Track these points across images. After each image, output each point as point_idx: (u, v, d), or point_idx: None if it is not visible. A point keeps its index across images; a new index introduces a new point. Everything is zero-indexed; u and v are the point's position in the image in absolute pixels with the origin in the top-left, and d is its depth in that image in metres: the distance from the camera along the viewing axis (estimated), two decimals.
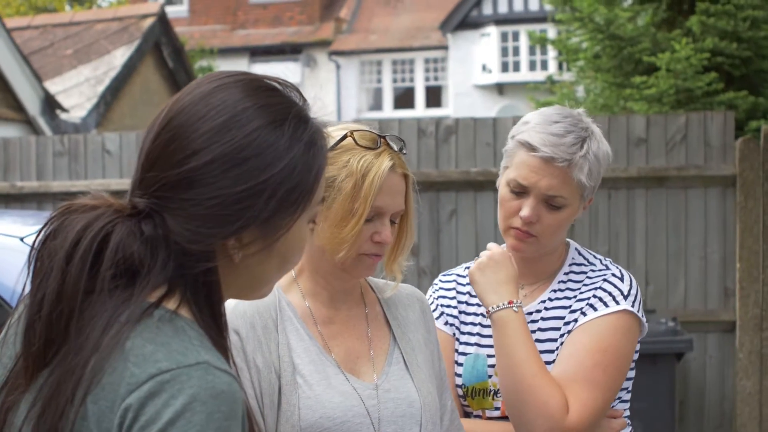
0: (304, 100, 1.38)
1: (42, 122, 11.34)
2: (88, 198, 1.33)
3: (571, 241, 2.41)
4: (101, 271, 1.25)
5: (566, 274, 2.35)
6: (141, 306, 1.25)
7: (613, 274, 2.29)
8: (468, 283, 2.43)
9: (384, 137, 2.03)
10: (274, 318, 2.01)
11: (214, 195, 1.27)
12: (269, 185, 1.29)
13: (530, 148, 2.24)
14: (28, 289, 1.32)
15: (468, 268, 2.47)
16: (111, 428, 1.21)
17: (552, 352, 2.27)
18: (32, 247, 1.31)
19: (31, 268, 1.30)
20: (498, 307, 2.20)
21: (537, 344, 2.26)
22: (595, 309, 2.23)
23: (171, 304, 1.29)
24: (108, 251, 1.26)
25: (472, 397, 2.33)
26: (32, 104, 11.26)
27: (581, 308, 2.25)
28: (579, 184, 2.24)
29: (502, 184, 2.32)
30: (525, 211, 2.24)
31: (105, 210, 1.30)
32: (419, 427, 2.00)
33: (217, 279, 1.31)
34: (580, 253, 2.39)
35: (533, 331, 2.29)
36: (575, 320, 2.24)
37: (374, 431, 1.96)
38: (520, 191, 2.26)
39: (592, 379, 2.14)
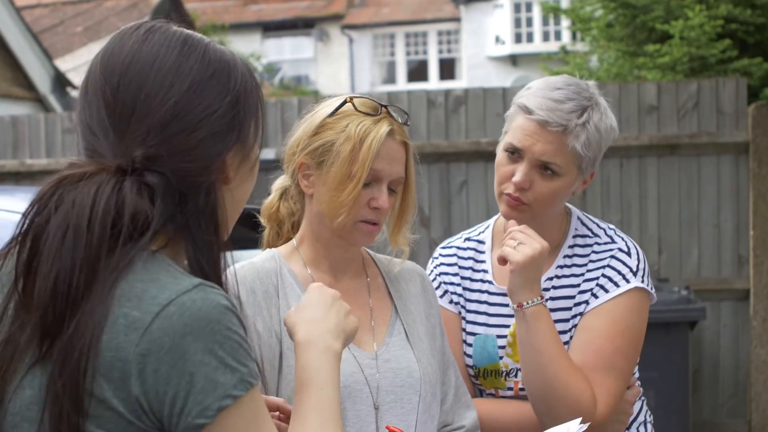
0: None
1: (53, 100, 11.36)
2: (76, 167, 1.31)
3: (573, 209, 2.36)
4: (123, 232, 1.26)
5: (570, 247, 2.30)
6: (133, 253, 1.27)
7: (620, 249, 2.25)
8: (470, 257, 2.40)
9: (385, 106, 2.01)
10: (275, 283, 2.01)
11: (208, 113, 1.32)
12: (240, 90, 1.36)
13: (527, 111, 2.21)
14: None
15: (468, 239, 2.44)
16: (126, 377, 1.21)
17: (564, 332, 2.24)
18: (25, 222, 1.29)
19: (30, 242, 1.27)
20: (531, 303, 2.14)
21: None
22: (606, 290, 2.21)
23: (155, 246, 1.31)
24: (126, 212, 1.26)
25: (485, 378, 2.32)
26: (43, 82, 11.27)
27: (591, 289, 2.22)
28: (574, 153, 2.19)
29: (500, 149, 2.29)
30: (517, 176, 2.20)
31: (105, 173, 1.29)
32: (418, 397, 1.99)
33: (222, 200, 1.34)
34: (583, 223, 2.33)
35: None
36: (586, 302, 2.22)
37: (373, 399, 1.96)
38: (514, 155, 2.22)
39: (613, 366, 2.15)
